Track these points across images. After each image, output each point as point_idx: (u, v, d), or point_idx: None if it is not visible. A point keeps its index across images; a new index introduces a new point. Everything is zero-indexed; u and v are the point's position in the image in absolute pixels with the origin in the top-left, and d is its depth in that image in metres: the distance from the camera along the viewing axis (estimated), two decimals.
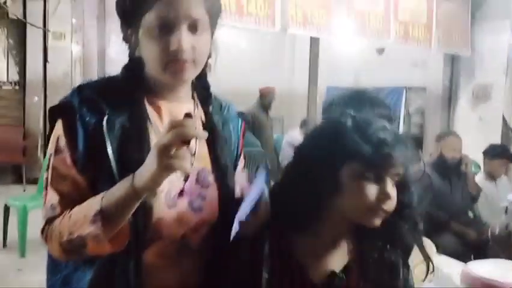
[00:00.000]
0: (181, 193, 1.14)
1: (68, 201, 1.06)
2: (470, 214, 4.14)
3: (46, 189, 1.09)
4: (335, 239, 1.13)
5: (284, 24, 4.88)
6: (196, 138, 1.14)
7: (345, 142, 1.04)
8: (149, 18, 1.07)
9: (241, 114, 5.24)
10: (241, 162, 1.33)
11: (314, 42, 5.97)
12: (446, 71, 6.61)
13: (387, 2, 5.42)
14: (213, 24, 1.16)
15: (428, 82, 6.81)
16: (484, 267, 1.96)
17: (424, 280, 1.25)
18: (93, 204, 1.00)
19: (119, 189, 0.99)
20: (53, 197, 1.08)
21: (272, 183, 1.13)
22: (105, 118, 1.07)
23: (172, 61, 1.07)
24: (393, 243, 1.14)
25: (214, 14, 1.14)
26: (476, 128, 6.28)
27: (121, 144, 1.07)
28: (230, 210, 1.12)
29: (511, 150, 4.65)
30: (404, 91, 7.54)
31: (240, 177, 1.29)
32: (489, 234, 3.67)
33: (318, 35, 5.20)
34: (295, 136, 6.27)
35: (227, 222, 1.09)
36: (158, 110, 1.15)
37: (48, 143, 1.14)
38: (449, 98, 6.68)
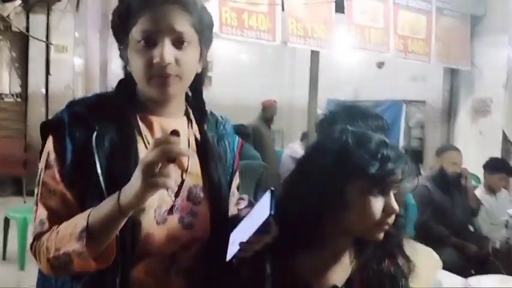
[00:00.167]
0: (171, 209, 1.13)
1: (57, 217, 1.06)
2: (471, 228, 4.13)
3: (37, 204, 1.09)
4: (337, 253, 1.13)
5: (284, 37, 4.92)
6: (189, 154, 1.16)
7: (350, 159, 1.04)
8: (135, 33, 1.08)
9: (241, 127, 5.28)
10: (235, 180, 1.31)
11: (314, 55, 6.01)
12: (445, 85, 6.64)
13: (386, 16, 5.46)
14: (203, 40, 1.16)
15: (427, 96, 6.84)
16: (485, 282, 1.95)
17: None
18: (80, 220, 1.00)
19: (105, 206, 0.98)
20: (42, 213, 1.07)
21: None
22: (94, 134, 1.07)
23: (156, 75, 1.07)
24: (392, 253, 1.14)
25: (202, 30, 1.14)
26: (476, 141, 6.29)
27: (110, 160, 1.06)
28: (222, 228, 1.10)
29: (511, 164, 4.64)
30: (404, 105, 7.56)
31: (233, 198, 1.27)
32: (490, 248, 3.66)
33: (318, 48, 5.23)
34: (295, 149, 6.28)
35: (219, 241, 1.08)
36: (150, 126, 1.15)
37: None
38: (449, 112, 6.69)
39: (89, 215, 0.99)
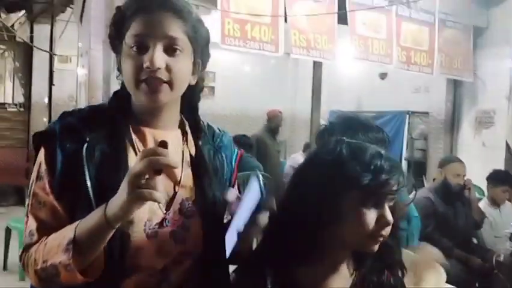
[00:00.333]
0: (162, 222, 1.10)
1: (46, 228, 1.05)
2: (474, 241, 4.10)
3: (27, 216, 1.08)
4: (336, 265, 1.12)
5: (287, 49, 4.94)
6: (182, 167, 1.14)
7: (344, 171, 1.03)
8: (127, 38, 1.07)
9: (243, 137, 5.26)
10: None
11: (317, 66, 6.03)
12: (449, 96, 6.64)
13: (389, 28, 5.48)
14: (198, 52, 1.14)
15: (431, 107, 6.84)
16: None
17: None
18: (67, 232, 0.99)
19: (92, 217, 0.97)
20: (32, 224, 1.06)
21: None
22: (85, 145, 1.06)
23: (146, 80, 1.06)
24: (392, 265, 1.13)
25: (196, 40, 1.13)
26: (479, 153, 6.27)
27: (100, 171, 1.05)
28: (215, 243, 1.08)
29: None
30: (407, 116, 7.56)
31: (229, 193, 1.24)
32: (494, 261, 3.63)
33: (321, 59, 5.25)
34: (297, 160, 6.26)
35: (212, 256, 1.06)
36: (143, 138, 1.13)
37: None
38: (452, 123, 6.68)
39: (76, 227, 0.98)
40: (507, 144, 6.03)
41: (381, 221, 1.03)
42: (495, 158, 5.90)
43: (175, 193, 1.13)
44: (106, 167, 1.05)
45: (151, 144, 1.12)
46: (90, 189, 1.03)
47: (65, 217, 1.04)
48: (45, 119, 7.22)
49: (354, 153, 1.05)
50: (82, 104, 4.48)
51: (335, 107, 8.83)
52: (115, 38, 1.12)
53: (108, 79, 4.54)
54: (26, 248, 1.06)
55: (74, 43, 5.59)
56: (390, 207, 1.07)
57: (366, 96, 8.74)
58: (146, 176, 0.91)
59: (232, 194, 1.15)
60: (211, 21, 4.71)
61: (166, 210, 1.11)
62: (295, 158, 6.55)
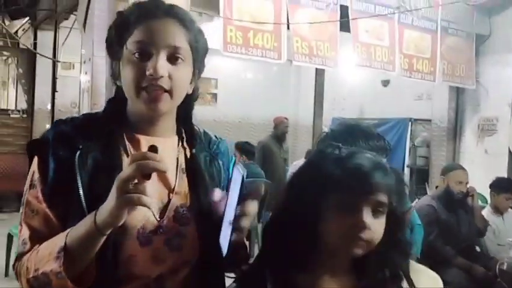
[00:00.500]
0: (156, 230, 1.09)
1: (39, 237, 1.04)
2: (477, 249, 4.08)
3: (21, 224, 1.08)
4: (335, 273, 1.12)
5: (289, 56, 4.95)
6: (177, 174, 1.13)
7: (324, 172, 1.05)
8: (129, 44, 1.06)
9: (246, 144, 5.25)
10: None
11: (319, 73, 6.04)
12: (451, 104, 6.63)
13: (392, 35, 5.49)
14: (197, 60, 1.14)
15: (433, 114, 6.83)
16: None
17: None
18: (58, 240, 0.98)
19: (83, 225, 0.96)
20: (25, 233, 1.06)
21: None
22: (77, 153, 1.05)
23: (147, 87, 1.05)
24: (395, 276, 1.12)
25: (197, 51, 1.13)
26: (482, 160, 6.26)
27: (93, 179, 1.04)
28: (212, 251, 1.06)
29: None
30: (410, 123, 7.55)
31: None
32: (497, 270, 3.61)
33: (323, 66, 5.25)
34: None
35: (208, 264, 1.04)
36: (137, 145, 1.12)
37: None
38: (455, 131, 6.67)
39: (67, 235, 0.97)
40: (510, 152, 6.02)
41: (358, 225, 1.02)
42: (498, 166, 5.88)
43: (169, 200, 1.12)
44: (98, 175, 1.04)
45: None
46: (82, 197, 1.03)
47: (57, 225, 1.04)
48: (48, 126, 7.24)
49: (340, 156, 1.07)
50: (85, 111, 4.49)
51: (338, 114, 8.84)
52: (116, 43, 1.10)
53: (111, 86, 4.55)
54: (19, 257, 1.06)
55: (77, 50, 5.62)
56: (390, 216, 1.07)
57: (368, 103, 8.74)
58: (136, 181, 0.90)
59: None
60: (214, 29, 4.73)
61: (160, 217, 1.10)
62: (298, 165, 6.49)
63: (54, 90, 7.08)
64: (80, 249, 0.95)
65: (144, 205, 0.91)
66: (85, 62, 4.96)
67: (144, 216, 1.07)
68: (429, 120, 7.03)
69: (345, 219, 1.03)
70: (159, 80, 1.04)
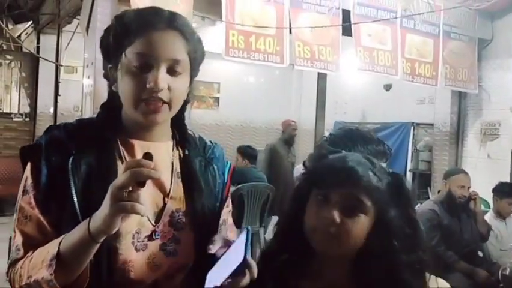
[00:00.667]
0: (152, 235, 1.09)
1: (32, 243, 1.03)
2: (480, 254, 4.07)
3: (14, 231, 1.07)
4: (337, 281, 1.11)
5: (291, 60, 4.95)
6: (172, 179, 1.13)
7: (307, 170, 1.14)
8: (130, 54, 1.05)
9: (248, 148, 5.23)
10: (226, 207, 1.26)
11: (321, 77, 6.03)
12: (453, 108, 6.62)
13: (394, 39, 5.48)
14: (193, 69, 1.14)
15: (435, 119, 6.82)
16: None
17: None
18: (51, 248, 0.97)
19: (76, 232, 0.95)
20: (18, 239, 1.05)
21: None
22: (70, 158, 1.04)
23: (147, 100, 1.04)
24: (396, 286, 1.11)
25: (195, 60, 1.13)
26: (484, 165, 6.24)
27: (87, 185, 1.03)
28: (207, 256, 1.06)
29: None
30: (412, 127, 7.55)
31: (224, 227, 1.22)
32: (499, 275, 3.60)
33: (325, 71, 5.25)
34: (301, 170, 6.24)
35: (204, 269, 1.05)
36: (131, 150, 1.12)
37: None
38: (457, 135, 6.66)
39: (60, 242, 0.96)
40: None
41: (326, 217, 1.03)
42: (500, 170, 5.87)
43: (164, 205, 1.12)
44: (92, 181, 1.04)
45: (139, 156, 1.09)
46: (76, 203, 1.02)
47: (51, 231, 1.03)
48: None
49: (323, 155, 1.12)
50: (88, 115, 4.50)
51: (340, 118, 8.84)
52: (114, 49, 1.09)
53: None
54: (13, 264, 1.05)
55: (80, 54, 5.62)
56: (379, 222, 1.05)
57: (370, 107, 8.74)
58: (130, 189, 0.89)
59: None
60: (216, 33, 4.74)
61: (155, 222, 1.10)
62: (299, 169, 6.51)
63: (57, 94, 7.09)
64: (73, 256, 0.95)
65: (138, 213, 0.90)
66: (87, 66, 4.97)
67: (139, 221, 1.06)
68: (432, 125, 7.02)
69: (315, 212, 1.05)
70: (159, 92, 1.04)
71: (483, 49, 6.30)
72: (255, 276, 1.00)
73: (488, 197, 4.53)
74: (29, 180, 1.07)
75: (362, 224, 1.04)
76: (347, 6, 5.17)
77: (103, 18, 4.52)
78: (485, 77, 6.32)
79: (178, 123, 1.21)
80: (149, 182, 0.97)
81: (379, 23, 5.34)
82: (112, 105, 1.14)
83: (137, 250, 1.06)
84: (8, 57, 8.63)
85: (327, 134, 1.53)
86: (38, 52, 7.44)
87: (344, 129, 1.42)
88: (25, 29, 8.16)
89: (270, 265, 1.10)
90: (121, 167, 1.08)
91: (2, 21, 6.56)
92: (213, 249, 1.06)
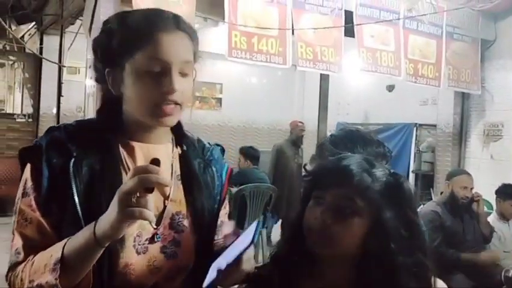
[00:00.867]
0: (153, 238, 1.09)
1: (32, 246, 1.02)
2: None
3: (13, 234, 1.06)
4: (338, 281, 1.10)
5: (294, 61, 4.94)
6: (172, 180, 1.13)
7: (310, 172, 1.15)
8: (142, 59, 1.03)
9: (250, 149, 5.23)
10: (224, 208, 1.26)
11: (324, 78, 6.02)
12: (456, 109, 6.61)
13: (397, 40, 5.48)
14: (194, 68, 1.14)
15: (438, 120, 6.81)
16: None
17: None
18: (54, 252, 0.96)
19: (81, 236, 0.95)
20: (18, 242, 1.04)
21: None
22: (72, 160, 1.04)
23: (162, 104, 1.04)
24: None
25: (197, 59, 1.14)
26: (487, 166, 6.23)
27: (89, 187, 1.03)
28: (207, 258, 1.06)
29: None
30: (415, 128, 7.54)
31: (224, 225, 1.21)
32: (502, 277, 3.59)
33: (327, 72, 5.24)
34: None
35: (204, 271, 1.05)
36: (132, 152, 1.11)
37: None
38: (460, 136, 6.65)
39: (64, 246, 0.96)
40: None
41: (317, 218, 1.04)
42: (504, 171, 5.85)
43: (164, 207, 1.12)
44: (93, 183, 1.03)
45: (140, 159, 1.11)
46: (78, 205, 1.01)
47: (52, 234, 1.02)
48: None
49: (323, 157, 1.16)
50: (90, 115, 4.50)
51: (342, 119, 8.84)
52: (118, 51, 1.06)
53: None
54: (12, 267, 1.04)
55: (83, 55, 5.63)
56: (376, 225, 1.04)
57: (373, 108, 8.74)
58: (138, 194, 0.89)
59: (228, 226, 1.13)
60: (219, 34, 4.74)
61: (156, 225, 1.10)
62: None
63: (59, 94, 7.10)
64: (77, 261, 0.94)
65: (146, 219, 0.91)
66: (90, 67, 4.96)
67: (140, 224, 1.06)
68: (435, 126, 7.01)
69: (310, 213, 1.06)
70: (174, 95, 1.04)
71: (486, 50, 6.29)
72: (252, 264, 1.03)
73: (491, 198, 4.51)
74: (29, 182, 1.05)
75: (355, 224, 1.03)
76: (350, 7, 5.17)
77: (105, 19, 4.53)
78: (488, 78, 6.30)
79: (177, 125, 1.20)
80: None
81: (382, 24, 5.33)
82: (111, 107, 1.13)
83: (138, 253, 1.06)
84: (11, 58, 8.65)
85: (329, 134, 1.53)
86: (41, 53, 7.45)
87: (344, 130, 1.43)
88: (28, 30, 8.18)
89: (279, 267, 1.10)
90: (122, 168, 1.08)
91: (5, 22, 6.58)
92: (226, 230, 1.09)
